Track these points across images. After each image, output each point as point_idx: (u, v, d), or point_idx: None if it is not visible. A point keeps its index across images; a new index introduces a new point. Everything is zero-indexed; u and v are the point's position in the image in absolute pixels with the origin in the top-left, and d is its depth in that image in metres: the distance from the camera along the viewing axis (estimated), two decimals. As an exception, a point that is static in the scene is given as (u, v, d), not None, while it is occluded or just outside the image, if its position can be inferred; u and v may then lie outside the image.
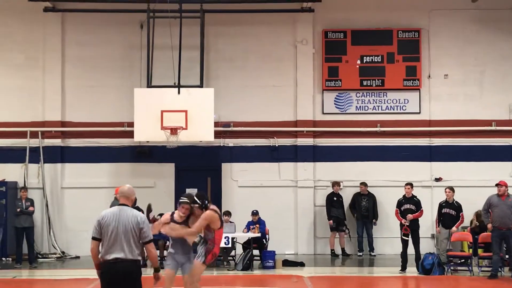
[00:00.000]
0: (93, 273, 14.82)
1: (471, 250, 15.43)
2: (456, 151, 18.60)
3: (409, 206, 15.09)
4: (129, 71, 18.52)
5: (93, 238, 7.12)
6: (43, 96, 18.55)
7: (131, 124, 17.26)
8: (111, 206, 15.53)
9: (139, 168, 18.57)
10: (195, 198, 9.40)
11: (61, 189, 18.43)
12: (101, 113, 18.50)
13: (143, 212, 15.01)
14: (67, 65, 18.69)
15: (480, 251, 15.43)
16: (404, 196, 15.31)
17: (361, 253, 18.05)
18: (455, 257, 15.32)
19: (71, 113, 18.63)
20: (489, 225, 14.27)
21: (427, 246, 17.16)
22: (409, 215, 14.88)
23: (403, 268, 14.96)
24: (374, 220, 18.11)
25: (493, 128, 18.60)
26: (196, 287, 9.26)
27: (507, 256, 14.33)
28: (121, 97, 18.31)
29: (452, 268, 15.05)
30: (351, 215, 18.28)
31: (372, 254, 17.98)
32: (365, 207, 18.04)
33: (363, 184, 18.18)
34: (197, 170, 18.72)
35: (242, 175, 18.73)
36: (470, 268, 14.81)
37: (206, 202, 9.37)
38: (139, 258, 7.15)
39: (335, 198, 18.12)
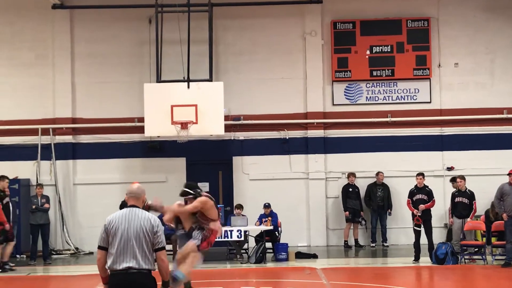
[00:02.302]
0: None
1: (484, 239, 15.38)
2: (467, 139, 18.52)
3: (421, 196, 15.05)
4: (139, 67, 18.54)
5: (99, 248, 6.11)
6: (53, 93, 18.61)
7: (141, 120, 17.30)
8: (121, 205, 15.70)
9: (150, 163, 18.61)
10: (187, 190, 9.35)
11: (73, 185, 18.51)
12: (111, 109, 18.55)
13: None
14: (76, 62, 18.73)
15: (493, 239, 15.37)
16: (416, 186, 15.28)
17: (374, 244, 18.03)
18: (468, 246, 15.28)
19: (82, 110, 18.69)
20: (504, 215, 14.19)
21: (440, 235, 17.13)
22: (421, 205, 14.85)
23: (417, 258, 14.95)
24: (389, 210, 18.08)
25: (504, 116, 18.49)
26: (185, 268, 9.12)
27: (520, 244, 14.26)
28: (131, 93, 18.34)
29: (465, 257, 15.01)
30: (365, 206, 18.27)
31: (385, 244, 17.96)
32: (380, 197, 18.00)
33: (380, 173, 18.12)
34: (208, 164, 18.74)
35: (253, 168, 18.74)
36: (483, 257, 14.77)
37: (198, 190, 9.32)
38: (153, 267, 6.17)
39: (350, 189, 18.10)
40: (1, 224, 14.71)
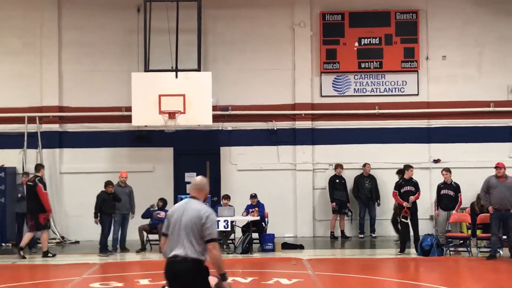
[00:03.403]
0: (92, 258, 14.94)
1: (469, 231, 15.47)
2: (454, 132, 18.59)
3: (409, 188, 15.13)
4: (127, 56, 18.46)
5: (163, 234, 6.49)
6: (40, 81, 18.50)
7: (129, 109, 17.25)
8: (114, 191, 15.67)
9: (137, 152, 18.56)
10: None
11: (59, 174, 18.45)
12: (98, 97, 18.47)
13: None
14: (64, 50, 18.62)
15: (478, 232, 15.46)
16: (403, 178, 15.33)
17: (362, 235, 18.09)
18: (453, 238, 15.37)
19: (69, 98, 18.60)
20: (490, 208, 14.26)
21: (426, 227, 17.22)
22: (411, 197, 14.94)
23: (402, 250, 15.03)
24: (377, 201, 18.11)
25: (491, 109, 18.58)
26: None
27: (505, 237, 14.35)
28: (118, 82, 18.27)
29: (451, 249, 15.10)
30: (353, 198, 18.31)
31: (374, 235, 18.02)
32: (368, 189, 18.03)
33: (367, 164, 18.15)
34: (196, 154, 18.72)
35: (241, 159, 18.74)
36: (468, 249, 14.85)
37: None
38: (203, 257, 6.28)
39: (337, 181, 18.12)
40: (42, 212, 15.02)
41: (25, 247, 15.35)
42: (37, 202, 15.12)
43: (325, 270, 13.20)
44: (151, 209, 16.38)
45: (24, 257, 14.94)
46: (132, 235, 16.29)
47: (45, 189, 15.38)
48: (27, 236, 15.36)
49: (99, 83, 18.53)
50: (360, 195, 18.11)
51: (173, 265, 6.20)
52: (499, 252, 14.37)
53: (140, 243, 16.03)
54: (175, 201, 17.07)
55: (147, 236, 16.22)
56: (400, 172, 16.01)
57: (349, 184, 18.34)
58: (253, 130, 18.79)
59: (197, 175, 19.54)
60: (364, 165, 18.21)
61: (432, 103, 18.73)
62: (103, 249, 15.39)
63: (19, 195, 16.30)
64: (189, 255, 6.16)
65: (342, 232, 18.15)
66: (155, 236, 16.33)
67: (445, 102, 18.65)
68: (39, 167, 15.80)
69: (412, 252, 14.91)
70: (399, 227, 15.68)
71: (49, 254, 15.13)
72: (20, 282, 12.03)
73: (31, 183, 15.31)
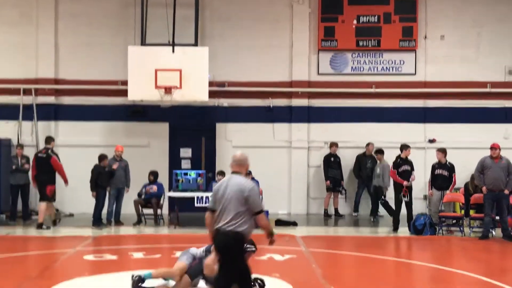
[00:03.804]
0: (86, 231, 14.98)
1: (463, 211, 15.53)
2: (450, 113, 18.60)
3: (406, 167, 15.19)
4: (123, 29, 18.34)
5: (208, 209, 6.80)
6: (36, 53, 18.39)
7: (125, 83, 17.15)
8: (108, 164, 15.68)
9: (133, 127, 18.52)
10: None
11: (54, 147, 18.37)
12: (95, 70, 18.38)
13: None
14: (60, 22, 18.50)
15: (472, 212, 15.53)
16: (400, 157, 15.37)
17: (356, 214, 18.13)
18: (447, 217, 15.43)
19: (65, 71, 18.51)
20: (484, 188, 14.29)
21: (419, 207, 17.28)
22: (412, 176, 15.03)
23: (395, 229, 15.10)
24: None
25: (488, 90, 18.57)
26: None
27: (498, 218, 14.42)
28: (115, 55, 18.17)
29: (443, 228, 15.16)
30: (348, 176, 18.30)
31: (379, 214, 17.96)
32: (369, 168, 18.00)
33: (370, 144, 18.12)
34: (192, 130, 18.70)
35: (237, 135, 18.72)
36: (461, 228, 14.93)
37: None
38: (244, 230, 6.63)
39: (332, 159, 18.12)
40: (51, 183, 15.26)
41: (44, 220, 15.36)
42: (48, 173, 15.34)
43: (318, 247, 13.26)
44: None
45: (49, 228, 15.17)
46: (127, 209, 16.32)
47: (59, 160, 15.57)
48: (42, 208, 15.42)
49: (95, 56, 18.43)
50: (362, 174, 18.08)
51: (220, 237, 6.55)
52: (491, 232, 14.46)
53: (136, 216, 16.09)
54: (170, 177, 17.10)
55: (142, 210, 16.27)
56: (403, 148, 16.08)
57: (344, 162, 18.34)
58: (249, 107, 18.75)
59: (192, 151, 19.63)
60: (368, 144, 18.14)
61: (429, 83, 18.71)
62: (97, 222, 15.42)
63: (14, 167, 16.29)
64: (232, 228, 6.50)
65: (336, 210, 18.20)
66: (150, 211, 16.38)
67: (442, 82, 18.63)
68: (49, 139, 15.89)
69: (405, 231, 14.97)
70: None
71: (44, 226, 15.16)
72: (14, 253, 12.04)
73: (43, 155, 15.45)
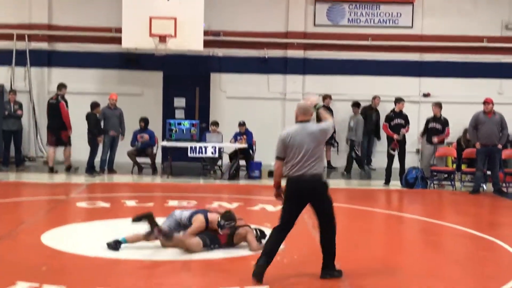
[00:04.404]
0: (79, 178, 15.03)
1: (454, 166, 15.62)
2: (446, 67, 18.53)
3: (399, 121, 15.17)
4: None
5: (278, 158, 6.98)
6: (29, -3, 18.17)
7: (119, 30, 16.97)
8: (101, 113, 15.65)
9: (127, 75, 18.42)
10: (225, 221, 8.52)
11: (48, 93, 18.29)
12: (89, 16, 18.19)
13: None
14: (54, -34, 18.24)
15: (463, 166, 15.61)
16: (393, 111, 15.36)
17: (368, 166, 18.17)
18: (438, 171, 15.52)
19: (58, 16, 18.31)
20: (478, 144, 14.32)
21: (411, 161, 17.35)
22: (403, 129, 15.00)
23: (387, 181, 15.19)
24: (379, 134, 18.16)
25: (484, 44, 18.48)
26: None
27: (489, 172, 14.51)
28: (109, 1, 17.93)
29: (435, 182, 15.26)
30: (342, 130, 18.25)
31: (372, 167, 18.05)
32: (374, 121, 17.97)
33: (377, 97, 18.05)
34: (186, 79, 18.62)
35: (231, 86, 18.65)
36: (452, 183, 15.03)
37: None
38: (322, 169, 6.97)
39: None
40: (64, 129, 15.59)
41: (53, 163, 15.68)
42: (59, 119, 15.56)
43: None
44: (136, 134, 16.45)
45: (56, 171, 15.57)
46: (120, 157, 16.34)
47: (67, 107, 15.72)
48: (50, 152, 15.85)
49: (89, 2, 18.22)
50: (367, 127, 17.93)
51: (306, 182, 6.84)
52: (482, 186, 14.56)
53: (135, 165, 16.17)
54: (164, 126, 17.08)
55: (136, 160, 16.33)
56: (397, 101, 16.04)
57: (338, 115, 18.24)
58: (244, 57, 18.63)
59: (186, 101, 19.56)
60: (374, 97, 18.07)
61: (425, 36, 18.59)
62: (90, 169, 15.46)
63: (6, 113, 16.23)
64: (317, 172, 6.86)
65: (328, 162, 18.23)
66: (142, 159, 16.42)
67: (438, 36, 18.51)
68: (61, 86, 15.97)
69: (397, 184, 15.07)
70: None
71: (72, 169, 15.62)
72: (6, 199, 12.09)
73: (53, 101, 15.68)
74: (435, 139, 15.12)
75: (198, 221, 8.19)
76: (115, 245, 7.97)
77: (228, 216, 8.19)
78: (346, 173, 17.09)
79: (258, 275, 6.75)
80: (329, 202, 7.04)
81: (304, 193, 6.91)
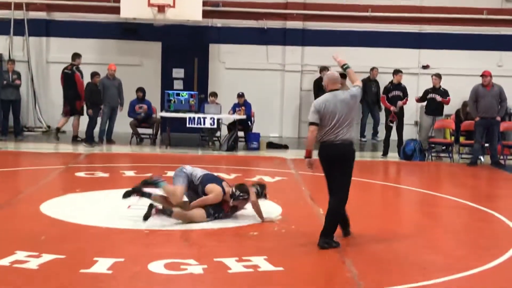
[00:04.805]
0: (78, 148, 15.06)
1: (453, 138, 15.64)
2: (445, 39, 18.45)
3: (397, 93, 15.12)
4: None
5: (313, 124, 7.21)
6: (27, -34, 18.02)
7: (117, 0, 16.89)
8: (99, 83, 15.62)
9: (125, 45, 18.35)
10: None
11: (46, 63, 18.28)
12: (87, -15, 18.08)
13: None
14: None
15: (461, 139, 15.63)
16: (391, 82, 15.32)
17: (364, 139, 18.17)
18: (436, 144, 15.55)
19: (57, -15, 18.19)
20: (477, 118, 14.30)
21: (409, 133, 17.37)
22: (400, 102, 14.96)
23: (385, 153, 15.22)
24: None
25: (484, 16, 18.38)
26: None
27: (487, 144, 14.54)
28: (108, -31, 17.82)
29: (433, 154, 15.30)
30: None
31: (378, 139, 18.03)
32: (374, 92, 17.94)
33: (375, 68, 18.00)
34: (184, 50, 18.55)
35: (230, 57, 18.60)
36: (450, 155, 15.07)
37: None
38: (353, 136, 7.33)
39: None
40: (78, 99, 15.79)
41: (77, 132, 15.99)
42: (73, 89, 15.72)
43: (308, 170, 13.35)
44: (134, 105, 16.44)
45: (58, 138, 15.90)
46: (119, 128, 16.35)
47: (82, 77, 15.82)
48: (62, 121, 16.19)
49: (87, -30, 18.08)
50: (367, 99, 17.89)
51: (338, 147, 7.17)
52: (480, 159, 14.60)
53: (136, 135, 16.22)
54: (162, 97, 17.06)
55: (137, 131, 16.33)
56: (395, 73, 15.98)
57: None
58: (243, 28, 18.55)
59: (184, 72, 19.51)
60: (372, 69, 18.01)
61: (425, 8, 18.49)
62: (89, 139, 15.47)
63: (5, 82, 16.18)
64: (348, 138, 7.19)
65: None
66: (146, 130, 16.45)
67: (438, 7, 18.40)
68: (75, 56, 16.06)
69: (395, 156, 15.10)
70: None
71: (78, 139, 15.68)
72: (5, 168, 12.13)
73: (68, 71, 15.81)
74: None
75: (216, 193, 8.13)
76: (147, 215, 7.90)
77: (243, 188, 8.20)
78: None
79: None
80: (350, 169, 7.29)
81: (334, 157, 7.20)
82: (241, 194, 8.16)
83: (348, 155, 7.26)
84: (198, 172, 8.36)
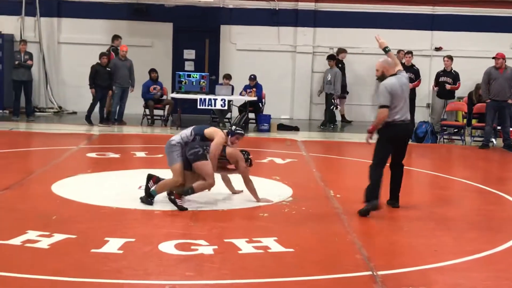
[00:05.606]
0: (90, 129, 15.05)
1: (465, 120, 15.56)
2: (458, 20, 18.28)
3: (409, 74, 14.99)
4: None
5: (385, 106, 7.80)
6: None
7: (129, -21, 16.88)
8: (112, 64, 15.61)
9: (136, 26, 18.29)
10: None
11: (57, 44, 18.28)
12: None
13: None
14: None
15: (474, 121, 15.55)
16: (403, 64, 15.22)
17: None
18: (448, 126, 15.47)
19: (68, -35, 18.15)
20: (488, 100, 14.20)
21: (422, 115, 17.28)
22: (410, 84, 14.85)
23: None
24: None
25: (498, -2, 18.22)
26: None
27: (499, 127, 14.45)
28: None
29: (444, 137, 15.23)
30: (353, 83, 18.11)
31: None
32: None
33: (401, 51, 17.85)
34: (195, 31, 18.49)
35: (241, 38, 18.52)
36: (462, 137, 15.00)
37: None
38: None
39: (340, 65, 17.69)
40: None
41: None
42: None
43: (318, 151, 13.38)
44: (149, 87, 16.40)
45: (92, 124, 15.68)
46: (130, 109, 16.36)
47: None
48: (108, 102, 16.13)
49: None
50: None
51: (407, 126, 8.06)
52: (492, 141, 14.52)
53: (151, 116, 16.11)
54: (173, 78, 17.03)
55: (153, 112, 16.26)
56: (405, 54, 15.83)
57: (349, 68, 18.10)
58: (255, 9, 18.46)
59: (195, 53, 19.47)
60: (398, 51, 17.83)
61: (438, -11, 18.33)
62: (88, 119, 15.53)
63: (17, 62, 16.19)
64: (409, 117, 8.06)
65: (343, 116, 18.10)
66: (159, 112, 16.43)
67: (452, -11, 18.25)
68: (114, 38, 16.29)
69: (407, 138, 15.00)
70: None
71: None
72: (17, 148, 12.18)
73: (106, 52, 15.98)
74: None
75: (217, 131, 8.08)
76: (147, 200, 7.92)
77: (240, 125, 8.20)
78: (323, 127, 16.89)
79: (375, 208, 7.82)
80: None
81: (402, 135, 8.06)
82: (237, 128, 8.21)
83: (411, 132, 8.61)
84: (186, 131, 8.17)
